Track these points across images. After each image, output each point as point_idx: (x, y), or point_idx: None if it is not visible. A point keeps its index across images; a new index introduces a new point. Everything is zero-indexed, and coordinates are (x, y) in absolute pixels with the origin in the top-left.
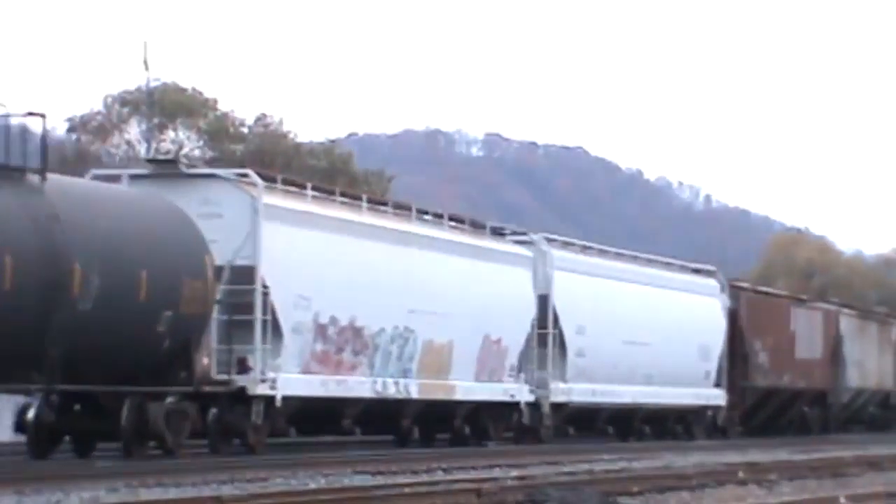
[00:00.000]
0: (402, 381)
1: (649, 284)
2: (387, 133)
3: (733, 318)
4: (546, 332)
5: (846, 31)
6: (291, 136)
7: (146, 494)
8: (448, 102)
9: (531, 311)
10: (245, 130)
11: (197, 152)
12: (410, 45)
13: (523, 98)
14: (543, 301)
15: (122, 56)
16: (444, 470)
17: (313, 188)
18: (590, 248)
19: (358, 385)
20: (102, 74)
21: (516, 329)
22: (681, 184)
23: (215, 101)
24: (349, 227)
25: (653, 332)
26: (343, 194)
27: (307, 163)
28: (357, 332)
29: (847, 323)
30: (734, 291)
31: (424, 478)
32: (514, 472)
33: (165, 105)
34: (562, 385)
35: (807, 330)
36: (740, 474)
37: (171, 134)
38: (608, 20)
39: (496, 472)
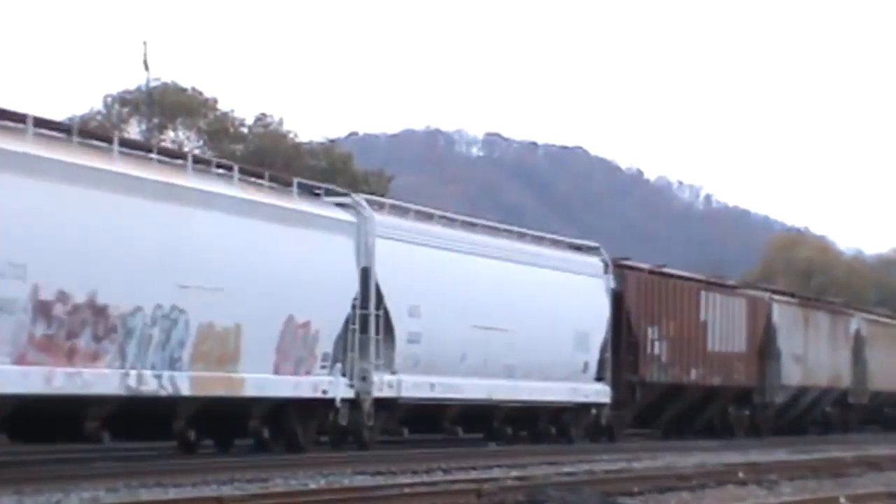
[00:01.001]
0: (167, 374)
1: (511, 260)
2: (387, 133)
3: (619, 301)
4: (367, 314)
5: (846, 31)
6: (291, 136)
7: (146, 494)
8: (448, 102)
9: (351, 287)
10: (245, 130)
11: (197, 152)
12: (410, 44)
13: (523, 98)
14: (366, 276)
15: (122, 56)
16: (444, 470)
17: (36, 123)
18: (430, 214)
19: (100, 379)
20: (102, 74)
21: (331, 310)
22: (681, 183)
23: (215, 101)
24: (88, 176)
25: (514, 316)
26: (84, 133)
27: (307, 163)
28: (99, 311)
29: (783, 312)
30: (620, 271)
31: (424, 478)
32: (514, 472)
33: (165, 105)
34: (389, 377)
35: (724, 319)
36: (740, 474)
37: (171, 134)
38: (608, 20)
39: (496, 472)
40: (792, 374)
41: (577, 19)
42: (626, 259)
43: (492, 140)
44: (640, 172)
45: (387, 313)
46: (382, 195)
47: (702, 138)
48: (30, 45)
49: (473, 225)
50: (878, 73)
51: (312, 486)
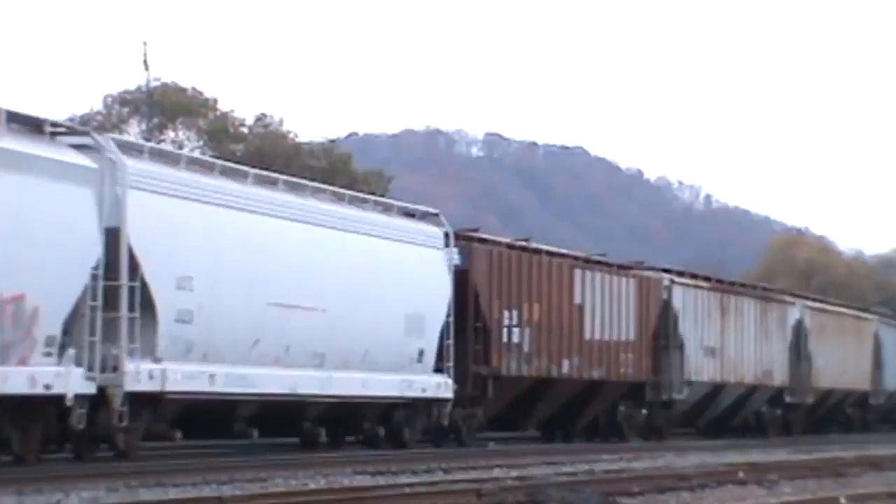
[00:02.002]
0: None
1: (324, 225)
2: (387, 133)
3: (464, 279)
4: (117, 286)
5: (846, 31)
6: (291, 136)
7: (146, 494)
8: (448, 102)
9: (90, 252)
10: (245, 130)
11: (197, 152)
12: (410, 45)
13: (523, 98)
14: (114, 237)
15: (122, 56)
16: (444, 470)
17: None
18: (211, 164)
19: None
20: (102, 74)
21: (57, 280)
22: (681, 184)
23: (215, 101)
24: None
25: (326, 293)
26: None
27: (307, 163)
28: None
29: (688, 296)
30: (467, 244)
31: (424, 478)
32: (515, 472)
33: (165, 105)
34: (149, 366)
35: (607, 302)
36: (740, 474)
37: (170, 134)
38: (608, 20)
39: (496, 472)
40: (701, 368)
41: (576, 19)
42: (474, 230)
43: (492, 140)
44: (640, 172)
45: (145, 285)
46: (383, 195)
47: (702, 138)
48: (30, 46)
49: (273, 181)
50: (878, 74)
51: (312, 486)
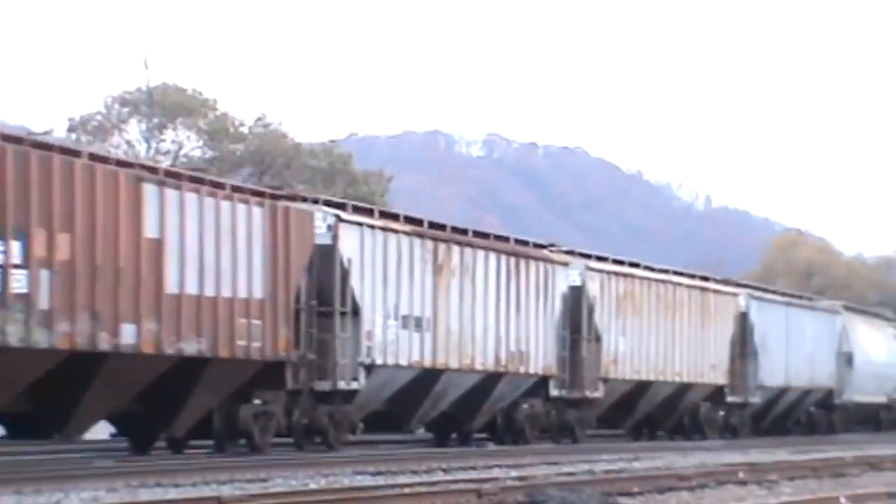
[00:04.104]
0: None
1: None
2: (387, 134)
3: None
4: None
5: (846, 31)
6: (291, 136)
7: (146, 494)
8: (448, 103)
9: None
10: (245, 130)
11: (197, 152)
12: (410, 45)
13: (523, 98)
14: None
15: (122, 56)
16: (444, 470)
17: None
18: None
19: None
20: (102, 75)
21: None
22: (681, 184)
23: (215, 101)
24: None
25: None
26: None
27: (307, 163)
28: None
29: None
30: None
31: (424, 478)
32: (515, 473)
33: (165, 105)
34: None
35: (213, 238)
36: (740, 474)
37: (170, 134)
38: (608, 20)
39: (496, 472)
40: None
41: (576, 20)
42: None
43: (492, 140)
44: (640, 173)
45: None
46: (382, 196)
47: (702, 140)
48: (31, 46)
49: None
50: (879, 75)
51: (312, 486)
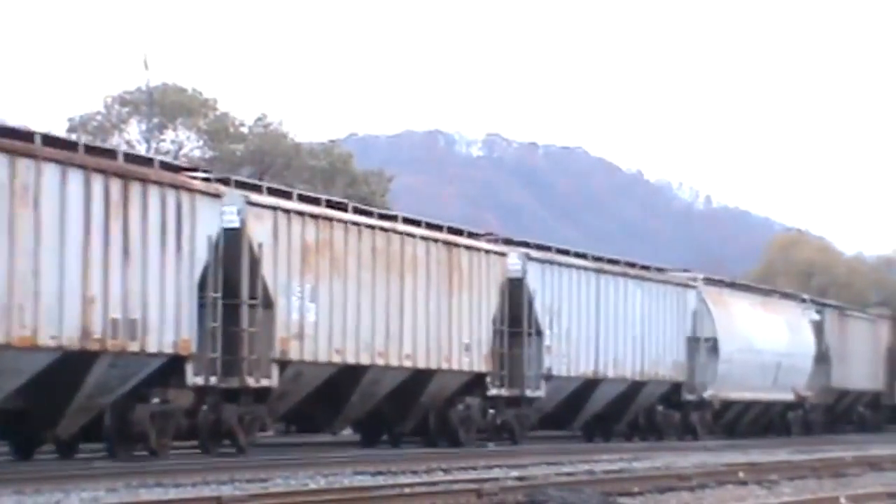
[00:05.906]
0: None
1: None
2: (387, 133)
3: None
4: None
5: (846, 31)
6: (291, 136)
7: (146, 494)
8: (448, 102)
9: None
10: (245, 130)
11: (197, 152)
12: (410, 45)
13: (523, 98)
14: None
15: (122, 56)
16: (444, 470)
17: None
18: None
19: None
20: (102, 75)
21: None
22: (681, 184)
23: (215, 101)
24: None
25: None
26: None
27: (307, 163)
28: None
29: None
30: None
31: (424, 478)
32: (515, 473)
33: (165, 105)
34: None
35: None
36: (741, 474)
37: (170, 134)
38: (608, 20)
39: (496, 472)
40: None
41: (576, 20)
42: None
43: (492, 140)
44: (640, 173)
45: None
46: (382, 196)
47: (702, 139)
48: (31, 46)
49: None
50: (878, 75)
51: (312, 486)
